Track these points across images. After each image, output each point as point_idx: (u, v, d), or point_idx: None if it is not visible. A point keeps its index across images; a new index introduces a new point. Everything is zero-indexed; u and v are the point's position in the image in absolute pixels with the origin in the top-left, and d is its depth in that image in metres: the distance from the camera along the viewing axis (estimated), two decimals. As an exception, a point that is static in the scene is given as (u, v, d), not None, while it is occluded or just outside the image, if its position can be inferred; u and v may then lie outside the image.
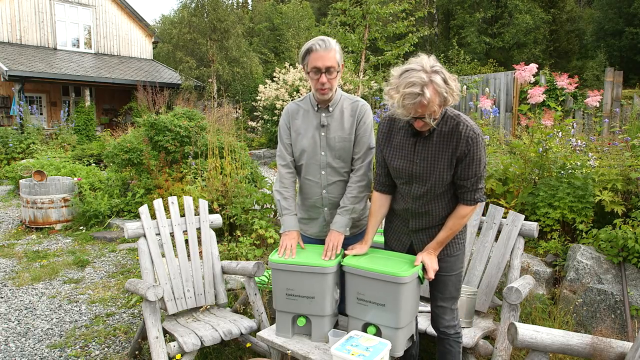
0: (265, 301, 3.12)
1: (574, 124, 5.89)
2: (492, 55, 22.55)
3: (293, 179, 2.46)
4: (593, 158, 4.08)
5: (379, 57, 9.67)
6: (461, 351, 2.27)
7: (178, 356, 2.47)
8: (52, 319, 3.72)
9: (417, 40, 9.51)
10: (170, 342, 2.51)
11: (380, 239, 2.46)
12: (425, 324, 2.62)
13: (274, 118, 11.83)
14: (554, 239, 3.75)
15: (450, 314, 2.22)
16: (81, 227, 6.36)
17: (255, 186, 6.06)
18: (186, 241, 3.00)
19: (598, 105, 4.27)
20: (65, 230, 6.36)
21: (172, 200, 2.99)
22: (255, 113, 13.52)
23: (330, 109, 2.35)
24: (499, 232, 2.91)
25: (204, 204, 3.11)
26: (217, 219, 3.19)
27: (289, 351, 2.19)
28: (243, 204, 4.76)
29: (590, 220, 3.70)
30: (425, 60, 1.85)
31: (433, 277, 2.08)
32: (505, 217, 2.91)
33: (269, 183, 5.98)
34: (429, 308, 2.67)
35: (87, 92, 14.84)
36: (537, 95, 3.97)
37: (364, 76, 9.74)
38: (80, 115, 14.21)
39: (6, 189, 9.27)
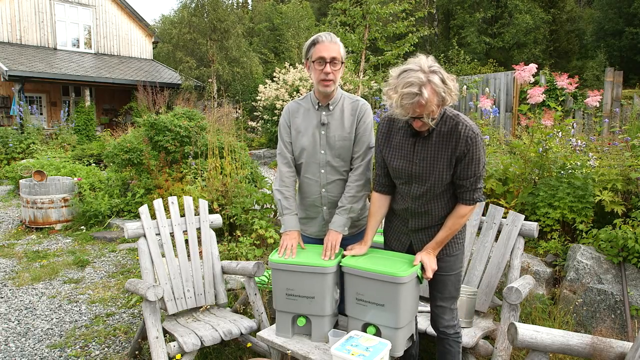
0: (265, 301, 3.12)
1: (574, 124, 5.89)
2: (492, 55, 22.55)
3: (294, 178, 2.46)
4: (593, 158, 4.08)
5: (379, 57, 9.67)
6: (461, 351, 2.27)
7: (178, 356, 2.47)
8: (52, 319, 3.72)
9: (417, 40, 9.50)
10: (170, 342, 2.51)
11: (379, 239, 2.46)
12: (425, 324, 2.62)
13: (274, 118, 11.83)
14: (554, 239, 3.75)
15: (449, 313, 2.23)
16: (81, 227, 6.36)
17: (255, 186, 6.06)
18: (186, 241, 3.00)
19: (598, 105, 4.27)
20: (65, 230, 6.36)
21: (172, 200, 2.99)
22: (255, 113, 13.52)
23: (331, 107, 2.36)
24: (499, 232, 2.91)
25: (204, 204, 3.11)
26: (217, 219, 3.19)
27: (289, 351, 2.19)
28: (243, 204, 4.76)
29: (590, 220, 3.70)
30: (424, 61, 1.86)
31: (431, 276, 2.08)
32: (505, 217, 2.91)
33: (269, 183, 5.98)
34: (428, 308, 2.67)
35: (87, 92, 14.84)
36: (537, 95, 3.97)
37: (364, 76, 9.74)
38: (80, 115, 14.21)
39: (6, 189, 9.27)
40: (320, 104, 2.37)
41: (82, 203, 6.43)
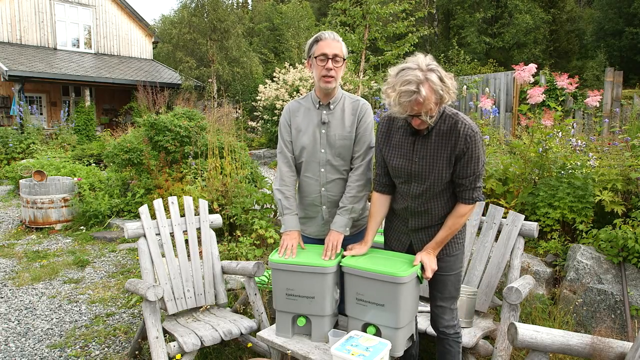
0: (265, 301, 3.12)
1: (574, 124, 5.90)
2: (492, 55, 22.55)
3: (294, 177, 2.46)
4: (593, 158, 4.08)
5: (379, 57, 9.67)
6: (461, 351, 2.27)
7: (178, 356, 2.47)
8: (52, 319, 3.72)
9: (417, 40, 9.50)
10: (170, 342, 2.51)
11: (380, 238, 2.46)
12: (425, 324, 2.62)
13: (274, 118, 11.82)
14: (554, 239, 3.75)
15: (449, 313, 2.23)
16: (81, 227, 6.36)
17: (255, 186, 6.06)
18: (186, 241, 3.00)
19: (598, 105, 4.27)
20: (65, 230, 6.36)
21: (172, 200, 2.99)
22: (255, 113, 13.51)
23: (332, 106, 2.36)
24: (499, 232, 2.91)
25: (204, 204, 3.11)
26: (217, 219, 3.19)
27: (289, 351, 2.19)
28: (243, 204, 4.76)
29: (590, 220, 3.70)
30: (422, 59, 1.88)
31: (431, 276, 2.08)
32: (505, 217, 2.91)
33: (269, 183, 5.98)
34: (428, 308, 2.67)
35: (87, 92, 14.84)
36: (536, 95, 3.97)
37: (364, 76, 9.74)
38: (80, 115, 14.21)
39: (6, 189, 9.27)
40: (321, 103, 2.38)
41: (82, 203, 6.43)
